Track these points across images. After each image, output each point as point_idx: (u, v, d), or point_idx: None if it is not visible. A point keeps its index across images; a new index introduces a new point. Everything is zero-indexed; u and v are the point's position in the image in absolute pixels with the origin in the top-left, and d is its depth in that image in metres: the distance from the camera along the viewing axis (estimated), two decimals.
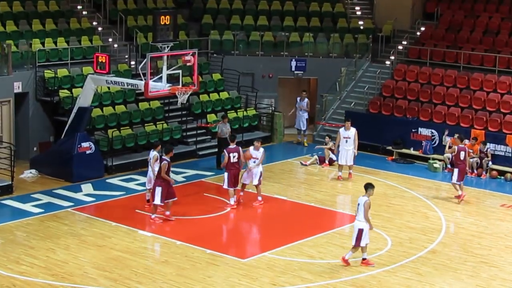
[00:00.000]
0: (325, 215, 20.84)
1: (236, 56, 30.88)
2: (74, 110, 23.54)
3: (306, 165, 25.75)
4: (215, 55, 30.83)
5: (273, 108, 29.72)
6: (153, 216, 19.61)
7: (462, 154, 21.91)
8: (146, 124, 26.04)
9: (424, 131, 26.73)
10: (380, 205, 21.10)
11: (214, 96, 28.97)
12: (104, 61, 22.39)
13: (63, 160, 23.32)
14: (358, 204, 16.62)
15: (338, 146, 24.22)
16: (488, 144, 25.05)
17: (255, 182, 21.23)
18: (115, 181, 23.41)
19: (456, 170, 21.93)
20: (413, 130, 27.04)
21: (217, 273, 16.35)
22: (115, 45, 28.57)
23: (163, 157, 19.38)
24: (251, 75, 30.58)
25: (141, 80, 21.62)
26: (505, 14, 30.84)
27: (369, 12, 33.88)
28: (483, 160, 24.83)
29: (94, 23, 29.42)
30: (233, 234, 19.83)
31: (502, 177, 24.65)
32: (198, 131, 27.31)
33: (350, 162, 24.00)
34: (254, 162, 21.08)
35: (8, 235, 18.51)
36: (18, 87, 24.67)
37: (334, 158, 25.71)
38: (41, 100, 25.36)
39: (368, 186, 16.65)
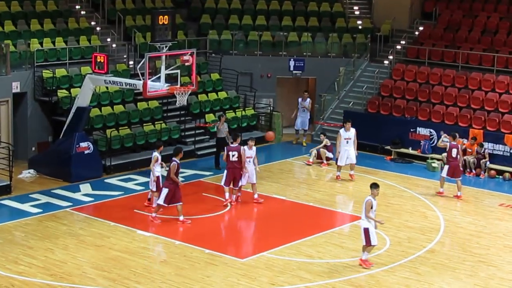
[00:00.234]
0: (324, 215, 20.84)
1: (234, 56, 30.87)
2: (73, 110, 23.52)
3: (311, 164, 25.69)
4: (213, 55, 30.82)
5: (271, 108, 29.71)
6: (153, 215, 19.59)
7: (454, 151, 22.16)
8: (144, 124, 26.03)
9: (423, 131, 26.74)
10: (378, 205, 20.75)
11: (212, 96, 28.96)
12: (102, 61, 22.36)
13: (61, 160, 23.31)
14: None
15: (339, 146, 23.98)
16: (485, 144, 25.05)
17: (254, 180, 21.27)
18: (113, 181, 23.40)
19: (446, 166, 22.33)
20: (411, 130, 27.05)
21: (216, 272, 16.35)
22: (114, 45, 28.55)
23: (172, 158, 19.34)
24: (250, 75, 30.57)
25: (140, 80, 21.62)
26: (503, 13, 30.85)
27: (368, 12, 33.88)
28: (481, 161, 24.82)
29: (93, 23, 29.41)
30: (232, 234, 19.82)
31: (501, 177, 24.66)
32: (197, 131, 27.30)
33: (353, 161, 23.91)
34: (249, 161, 21.12)
35: (6, 235, 18.50)
36: (16, 87, 24.66)
37: (330, 156, 25.71)
38: (39, 100, 25.34)
39: (372, 186, 16.67)
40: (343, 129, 24.11)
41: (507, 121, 25.76)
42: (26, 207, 20.66)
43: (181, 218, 19.41)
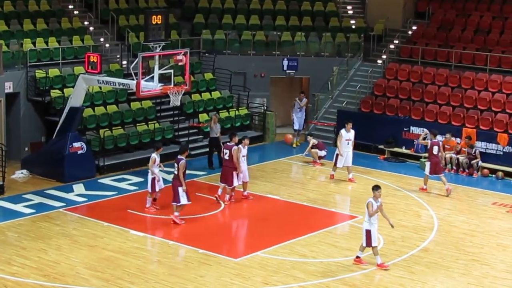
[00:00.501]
0: (318, 214, 20.83)
1: (228, 55, 30.86)
2: (66, 110, 23.47)
3: (319, 164, 25.56)
4: (207, 54, 30.80)
5: (265, 108, 29.71)
6: (176, 214, 19.36)
7: (435, 148, 22.44)
8: (138, 124, 25.99)
9: (416, 130, 26.76)
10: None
11: (206, 95, 28.94)
12: (95, 60, 22.33)
13: (54, 160, 23.26)
14: None
15: (340, 147, 23.59)
16: (478, 143, 25.10)
17: (247, 178, 21.30)
18: (107, 181, 23.35)
19: (428, 164, 22.62)
20: (404, 129, 27.08)
21: (210, 272, 16.33)
22: (107, 45, 28.50)
23: (179, 157, 19.31)
24: (243, 75, 30.55)
25: (133, 79, 21.58)
26: (496, 13, 30.90)
27: (361, 11, 33.91)
28: (473, 162, 24.84)
29: (86, 22, 29.34)
30: (226, 233, 19.79)
31: (494, 175, 24.71)
32: (190, 131, 27.27)
33: (349, 164, 23.77)
34: (244, 160, 21.14)
35: None
36: (9, 87, 24.60)
37: (323, 154, 25.69)
38: (32, 100, 25.28)
39: (373, 188, 16.68)
40: (344, 129, 23.85)
41: (500, 120, 25.81)
42: (19, 207, 20.60)
43: (176, 213, 19.36)
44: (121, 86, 22.84)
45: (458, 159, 25.10)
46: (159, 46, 21.55)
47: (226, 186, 21.13)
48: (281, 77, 31.06)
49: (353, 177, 23.83)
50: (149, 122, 26.24)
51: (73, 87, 24.04)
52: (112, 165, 24.38)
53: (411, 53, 30.15)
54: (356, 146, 25.77)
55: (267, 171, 24.87)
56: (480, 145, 25.23)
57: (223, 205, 21.03)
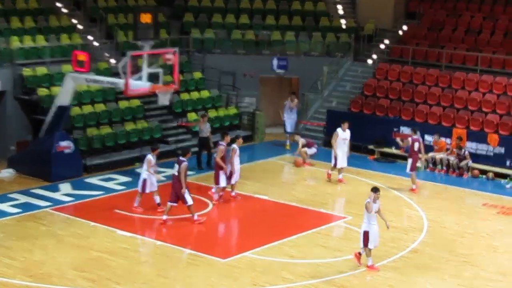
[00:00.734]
0: (307, 215, 20.70)
1: (217, 54, 30.70)
2: (53, 109, 23.26)
3: (311, 165, 25.44)
4: (196, 53, 30.64)
5: (254, 107, 29.55)
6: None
7: (416, 145, 22.76)
8: (126, 123, 25.79)
9: (406, 130, 26.64)
10: (362, 205, 20.91)
11: (195, 94, 28.78)
12: (84, 59, 22.15)
13: (41, 159, 23.05)
14: None
15: (335, 145, 23.44)
16: (469, 144, 25.05)
17: (237, 178, 21.22)
18: (94, 180, 23.15)
19: (410, 160, 22.85)
20: (395, 129, 26.98)
21: (198, 273, 16.19)
22: (95, 43, 28.29)
23: (181, 158, 19.25)
24: (233, 74, 30.39)
25: (121, 78, 21.39)
26: (487, 13, 30.89)
27: (351, 11, 33.83)
28: (462, 163, 24.76)
29: (74, 20, 29.11)
30: (214, 234, 19.63)
31: (484, 176, 24.64)
32: (179, 130, 27.10)
33: (344, 165, 23.70)
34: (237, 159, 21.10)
35: None
36: None
37: (313, 151, 25.57)
38: (19, 98, 25.05)
39: (372, 190, 16.59)
40: (340, 128, 23.63)
41: (490, 120, 25.76)
42: (5, 207, 20.36)
43: (164, 217, 19.21)
44: (109, 85, 22.64)
45: (448, 159, 25.02)
46: (148, 45, 21.37)
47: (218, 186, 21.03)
48: (270, 76, 30.91)
49: (343, 177, 23.70)
50: (137, 121, 26.06)
51: (61, 85, 23.81)
52: (99, 164, 24.18)
53: (402, 53, 30.10)
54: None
55: (256, 171, 24.72)
56: (471, 146, 25.17)
57: (211, 205, 20.88)
